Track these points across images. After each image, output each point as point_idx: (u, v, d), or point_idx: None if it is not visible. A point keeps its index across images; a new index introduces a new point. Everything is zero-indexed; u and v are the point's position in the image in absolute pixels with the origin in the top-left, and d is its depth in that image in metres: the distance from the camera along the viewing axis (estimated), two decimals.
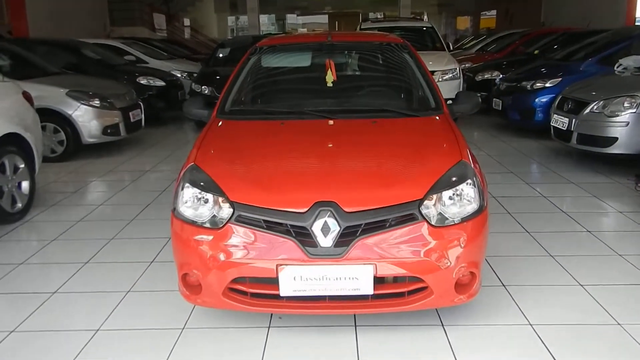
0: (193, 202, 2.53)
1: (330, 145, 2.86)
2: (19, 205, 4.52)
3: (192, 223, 2.49)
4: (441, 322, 2.75)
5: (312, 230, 2.34)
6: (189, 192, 2.56)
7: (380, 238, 2.36)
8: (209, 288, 2.47)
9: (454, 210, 2.48)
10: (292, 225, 2.37)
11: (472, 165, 2.67)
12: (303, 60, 3.75)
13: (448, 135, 2.91)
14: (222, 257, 2.40)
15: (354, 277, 2.35)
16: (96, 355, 2.55)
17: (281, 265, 2.35)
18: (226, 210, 2.45)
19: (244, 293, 2.48)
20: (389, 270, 2.37)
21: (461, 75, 8.79)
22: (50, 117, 6.62)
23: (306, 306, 2.47)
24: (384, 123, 3.11)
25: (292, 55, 3.81)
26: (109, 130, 6.86)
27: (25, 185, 4.64)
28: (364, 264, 2.34)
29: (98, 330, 2.76)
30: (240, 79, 3.63)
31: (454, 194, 2.50)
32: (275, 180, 2.53)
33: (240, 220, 2.42)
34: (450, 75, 8.61)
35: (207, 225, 2.46)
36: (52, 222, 4.47)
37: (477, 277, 2.53)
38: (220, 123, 3.21)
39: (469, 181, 2.56)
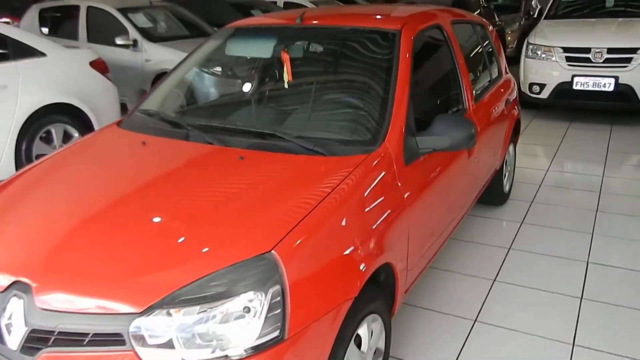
0: None
1: (132, 194, 1.96)
2: None
3: None
4: None
5: None
6: None
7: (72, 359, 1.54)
8: None
9: (203, 340, 1.49)
10: None
11: (285, 264, 1.57)
12: (265, 50, 2.80)
13: (305, 201, 1.80)
14: None
15: None
16: None
17: None
18: None
19: None
20: None
21: None
22: None
23: None
24: (255, 161, 2.09)
25: (255, 43, 2.88)
26: None
27: None
28: None
29: None
30: (182, 70, 2.91)
31: (210, 313, 1.50)
32: (3, 236, 1.87)
33: None
34: None
35: None
36: None
37: None
38: (99, 132, 2.60)
39: (254, 293, 1.51)
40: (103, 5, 7.17)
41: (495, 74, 3.76)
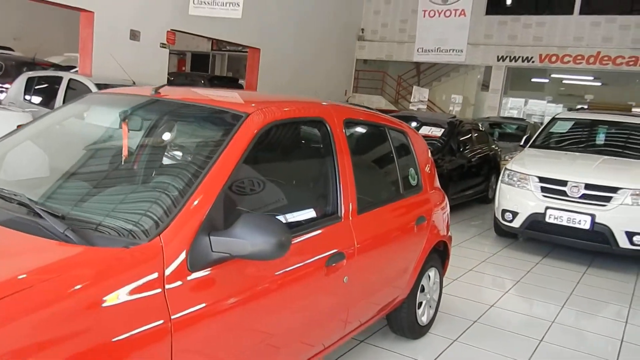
0: None
1: None
2: None
3: None
4: None
5: None
6: None
7: None
8: None
9: None
10: None
11: None
12: (109, 119, 2.49)
13: None
14: None
15: None
16: None
17: None
18: None
19: None
20: None
21: None
22: None
23: None
24: None
25: (104, 112, 2.57)
26: None
27: None
28: None
29: None
30: (25, 133, 2.60)
31: None
32: None
33: None
34: None
35: None
36: None
37: None
38: None
39: None
40: (82, 78, 7.23)
41: (410, 185, 3.34)
